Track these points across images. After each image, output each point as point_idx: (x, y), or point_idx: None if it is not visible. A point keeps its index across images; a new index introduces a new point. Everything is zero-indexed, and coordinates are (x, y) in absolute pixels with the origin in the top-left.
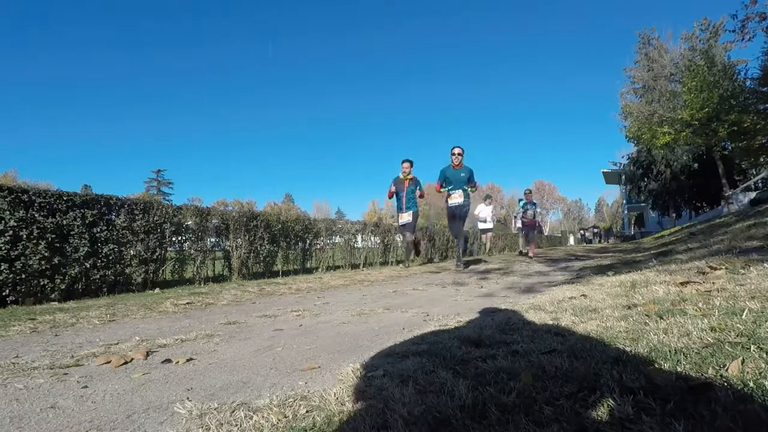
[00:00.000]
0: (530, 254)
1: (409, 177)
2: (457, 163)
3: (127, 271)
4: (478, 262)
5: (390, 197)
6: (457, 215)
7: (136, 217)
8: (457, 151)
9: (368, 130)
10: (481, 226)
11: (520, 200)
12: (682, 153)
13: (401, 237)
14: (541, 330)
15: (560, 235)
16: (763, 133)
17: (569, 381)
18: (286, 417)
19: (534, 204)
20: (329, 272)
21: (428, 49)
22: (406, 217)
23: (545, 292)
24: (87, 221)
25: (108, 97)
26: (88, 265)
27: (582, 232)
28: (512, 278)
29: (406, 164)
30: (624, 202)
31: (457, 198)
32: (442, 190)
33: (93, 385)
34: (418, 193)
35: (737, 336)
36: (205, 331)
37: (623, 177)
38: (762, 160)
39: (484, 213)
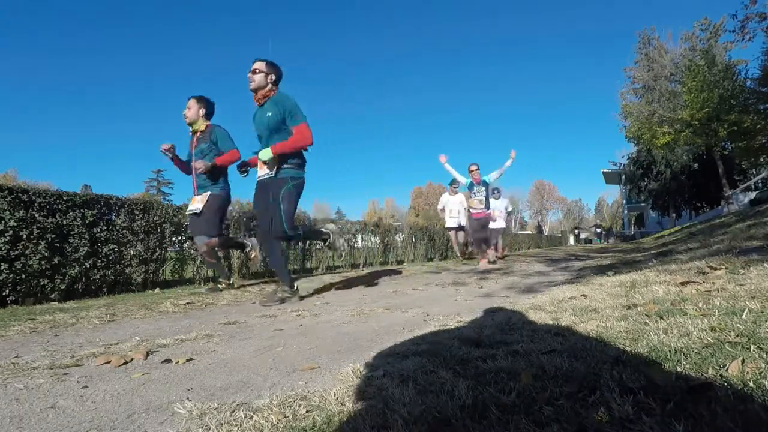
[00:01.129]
0: (490, 259)
1: (202, 127)
2: (261, 96)
3: (127, 271)
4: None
5: (181, 169)
6: (259, 198)
7: (136, 217)
8: (257, 65)
9: (368, 131)
10: (449, 223)
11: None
12: (682, 153)
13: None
14: (541, 330)
15: (560, 235)
16: (763, 133)
17: (569, 381)
18: (286, 417)
19: (485, 183)
20: (329, 272)
21: (429, 49)
22: (195, 204)
23: (545, 292)
24: (87, 221)
25: (108, 97)
26: (88, 265)
27: (577, 231)
28: (512, 278)
29: (192, 102)
30: (624, 202)
31: (260, 167)
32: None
33: (93, 385)
34: (223, 156)
35: (737, 336)
36: (205, 331)
37: (623, 177)
38: (762, 160)
39: (450, 205)
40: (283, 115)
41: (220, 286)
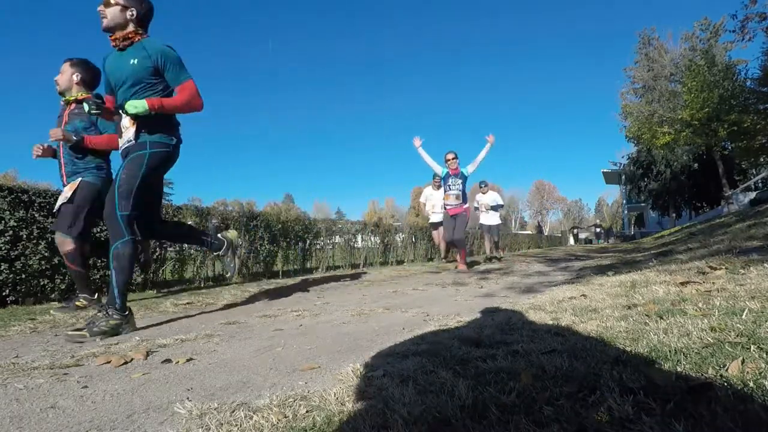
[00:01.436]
0: (459, 265)
1: (76, 97)
2: (120, 37)
3: None
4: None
5: (47, 153)
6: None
7: None
8: None
9: (368, 131)
10: (433, 218)
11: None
12: (682, 153)
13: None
14: (541, 330)
15: (560, 235)
16: (763, 133)
17: (569, 381)
18: (286, 417)
19: (463, 176)
20: (329, 272)
21: (428, 50)
22: (63, 194)
23: (545, 292)
24: None
25: None
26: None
27: (575, 231)
28: (512, 278)
29: (65, 66)
30: (624, 202)
31: (123, 135)
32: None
33: (93, 385)
34: (99, 138)
35: (737, 336)
36: (205, 331)
37: (623, 177)
38: (762, 160)
39: (434, 200)
40: (155, 66)
41: (77, 302)
